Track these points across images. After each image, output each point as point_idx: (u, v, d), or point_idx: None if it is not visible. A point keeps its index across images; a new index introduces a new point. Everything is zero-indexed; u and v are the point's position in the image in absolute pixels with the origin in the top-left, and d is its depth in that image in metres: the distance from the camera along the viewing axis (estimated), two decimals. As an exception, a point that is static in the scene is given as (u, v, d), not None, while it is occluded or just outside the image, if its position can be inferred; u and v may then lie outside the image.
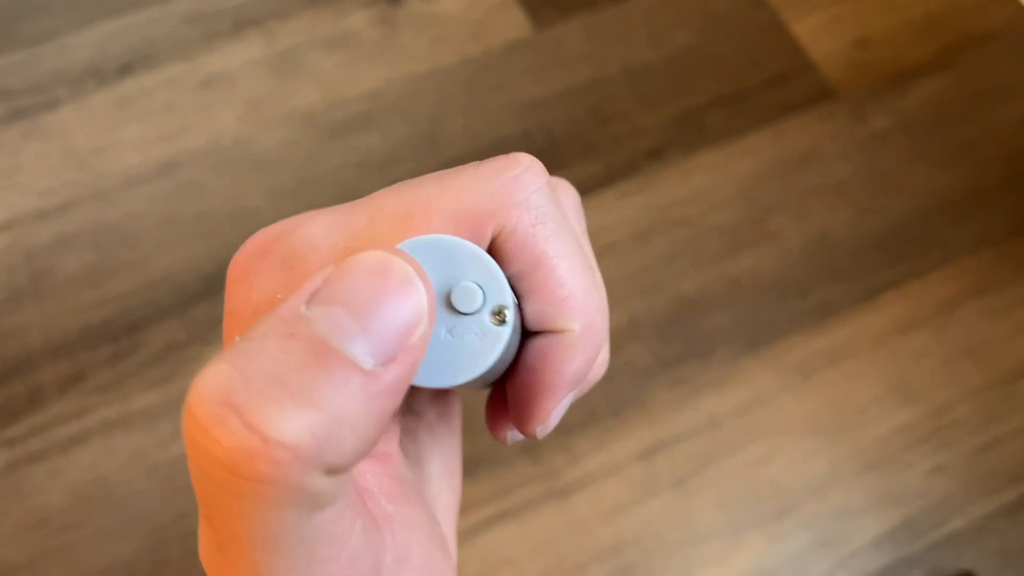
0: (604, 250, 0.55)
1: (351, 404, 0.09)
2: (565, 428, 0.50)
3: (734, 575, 0.47)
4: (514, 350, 0.14)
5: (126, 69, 0.60)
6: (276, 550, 0.10)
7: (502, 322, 0.12)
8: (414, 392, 0.17)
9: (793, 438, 0.50)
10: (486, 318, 0.12)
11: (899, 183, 0.58)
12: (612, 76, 0.61)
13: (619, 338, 0.52)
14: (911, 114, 0.60)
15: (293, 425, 0.09)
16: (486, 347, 0.12)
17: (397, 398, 0.10)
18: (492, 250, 0.13)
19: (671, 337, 0.53)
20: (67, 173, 0.56)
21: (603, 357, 0.16)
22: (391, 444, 0.15)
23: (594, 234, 0.57)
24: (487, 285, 0.12)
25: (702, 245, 0.55)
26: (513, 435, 0.16)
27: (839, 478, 0.49)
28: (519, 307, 0.14)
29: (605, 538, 0.47)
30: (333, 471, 0.10)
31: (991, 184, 0.58)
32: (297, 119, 0.59)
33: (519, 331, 0.14)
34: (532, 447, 0.49)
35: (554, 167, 0.57)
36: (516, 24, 0.63)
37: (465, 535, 0.47)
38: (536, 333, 0.14)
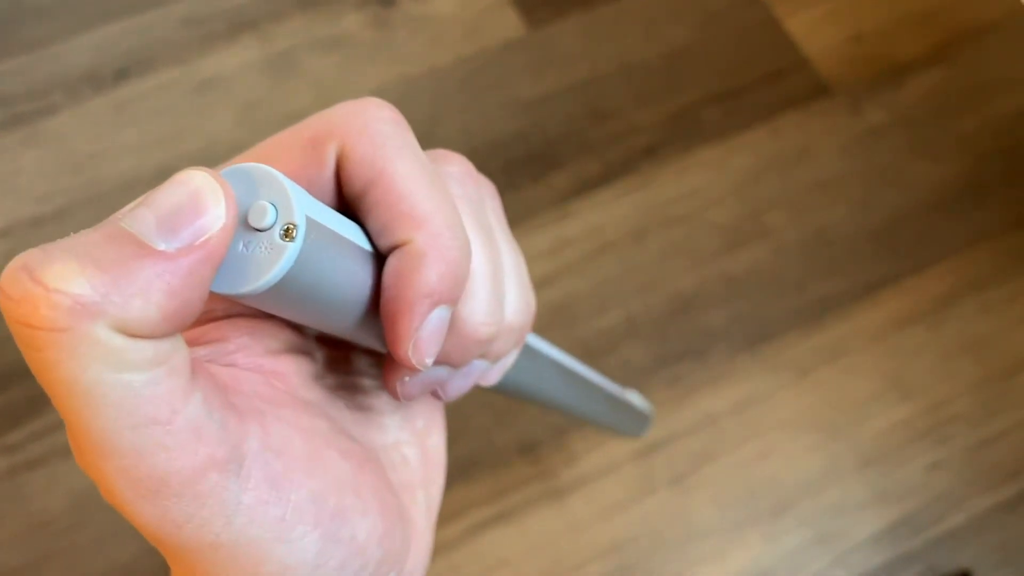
0: (601, 249, 0.55)
1: (138, 272, 0.11)
2: (562, 428, 0.50)
3: (732, 572, 0.47)
4: (365, 277, 0.15)
5: (122, 74, 0.60)
6: (91, 405, 0.11)
7: (290, 238, 0.13)
8: (355, 354, 0.18)
9: (790, 435, 0.50)
10: (276, 234, 0.13)
11: (896, 178, 0.58)
12: (607, 74, 0.61)
13: (616, 336, 0.52)
14: (907, 108, 0.60)
15: (75, 279, 0.10)
16: (272, 260, 0.13)
17: (193, 282, 0.11)
18: (338, 174, 0.15)
19: (668, 335, 0.53)
20: (64, 178, 0.57)
21: (480, 307, 0.16)
22: (286, 366, 0.16)
23: (591, 233, 0.57)
24: (281, 205, 0.13)
25: (699, 242, 0.55)
26: (403, 388, 0.16)
27: (837, 475, 0.49)
28: (366, 233, 0.15)
29: (602, 537, 0.47)
30: (129, 332, 0.11)
31: (989, 178, 0.58)
32: (293, 122, 0.58)
33: (366, 257, 0.15)
34: (529, 447, 0.49)
35: (551, 166, 0.57)
36: (510, 24, 0.63)
37: (463, 536, 0.47)
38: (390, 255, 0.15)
